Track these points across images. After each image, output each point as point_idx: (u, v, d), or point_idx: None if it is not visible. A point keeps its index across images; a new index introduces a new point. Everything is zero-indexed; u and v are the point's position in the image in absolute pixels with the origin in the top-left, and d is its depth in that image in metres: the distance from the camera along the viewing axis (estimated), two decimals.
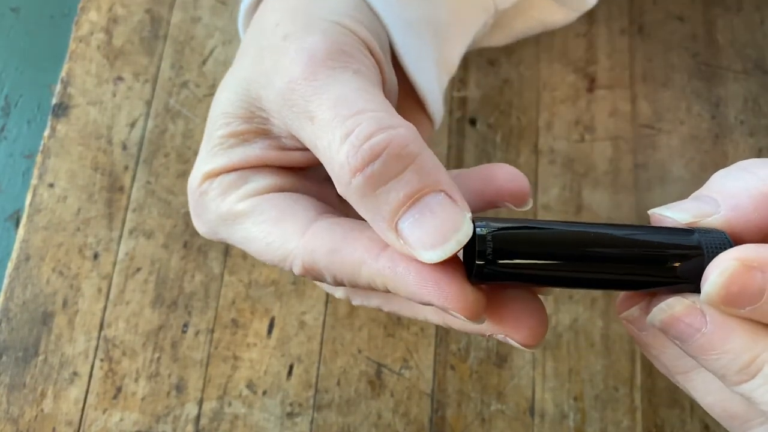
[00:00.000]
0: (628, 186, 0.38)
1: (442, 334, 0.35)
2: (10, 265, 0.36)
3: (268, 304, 0.36)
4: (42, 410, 0.34)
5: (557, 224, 0.18)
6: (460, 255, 0.19)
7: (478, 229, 0.17)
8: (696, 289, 0.18)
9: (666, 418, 0.34)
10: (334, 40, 0.20)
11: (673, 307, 0.18)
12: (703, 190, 0.19)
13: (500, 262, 0.17)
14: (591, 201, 0.38)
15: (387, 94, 0.23)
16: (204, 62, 0.41)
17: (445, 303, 0.17)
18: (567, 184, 0.38)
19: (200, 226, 0.23)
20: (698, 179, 0.38)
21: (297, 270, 0.21)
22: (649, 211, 0.19)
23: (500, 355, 0.35)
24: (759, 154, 0.39)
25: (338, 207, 0.23)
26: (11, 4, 0.44)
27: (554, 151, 0.39)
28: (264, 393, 0.34)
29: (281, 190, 0.22)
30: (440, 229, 0.17)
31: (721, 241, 0.18)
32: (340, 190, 0.19)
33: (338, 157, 0.18)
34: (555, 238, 0.17)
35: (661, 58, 0.41)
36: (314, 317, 0.36)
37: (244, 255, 0.37)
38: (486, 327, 0.20)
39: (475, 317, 0.18)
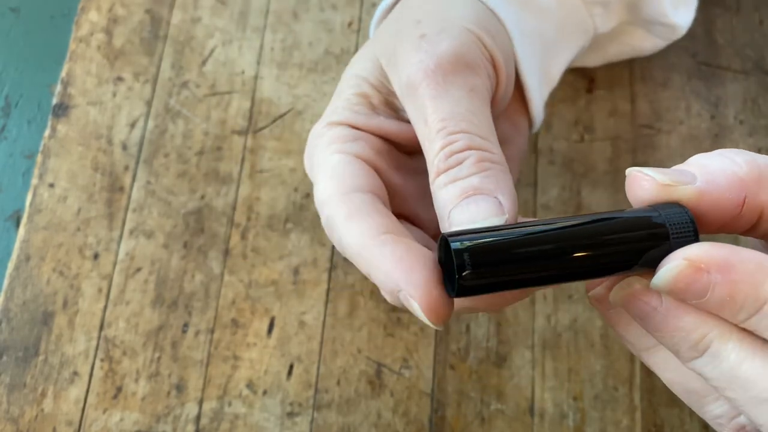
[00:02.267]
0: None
1: (442, 334, 0.35)
2: (11, 265, 0.36)
3: (268, 304, 0.36)
4: (42, 410, 0.34)
5: (530, 225, 0.19)
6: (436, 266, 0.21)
7: (454, 245, 0.18)
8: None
9: (665, 417, 0.34)
10: (462, 51, 0.24)
11: (631, 285, 0.19)
12: (683, 165, 0.20)
13: (480, 271, 0.18)
14: (590, 201, 0.38)
15: (501, 97, 0.27)
16: (204, 62, 0.41)
17: (411, 289, 0.20)
18: (567, 184, 0.38)
19: (306, 163, 0.27)
20: None
21: (322, 224, 0.24)
22: (629, 170, 0.21)
23: (500, 355, 0.35)
24: (758, 153, 0.39)
25: (413, 201, 0.27)
26: (11, 5, 0.44)
27: (554, 151, 0.39)
28: (264, 393, 0.34)
29: (373, 165, 0.25)
30: (474, 215, 0.21)
31: (683, 219, 0.19)
32: (430, 181, 0.23)
33: (434, 160, 0.22)
34: (529, 241, 0.19)
35: (660, 58, 0.41)
36: (314, 317, 0.36)
37: (244, 255, 0.37)
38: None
39: (439, 316, 0.20)
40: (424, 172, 0.25)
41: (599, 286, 0.21)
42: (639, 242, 0.19)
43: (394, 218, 0.23)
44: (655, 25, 0.36)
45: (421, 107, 0.23)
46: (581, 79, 0.41)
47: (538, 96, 0.31)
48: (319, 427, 0.34)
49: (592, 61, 0.38)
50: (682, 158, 0.40)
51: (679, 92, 0.41)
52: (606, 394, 0.35)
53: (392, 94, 0.26)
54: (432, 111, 0.23)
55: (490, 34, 0.26)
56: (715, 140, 0.39)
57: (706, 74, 0.41)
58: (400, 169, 0.26)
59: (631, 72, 0.41)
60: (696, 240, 0.19)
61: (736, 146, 0.39)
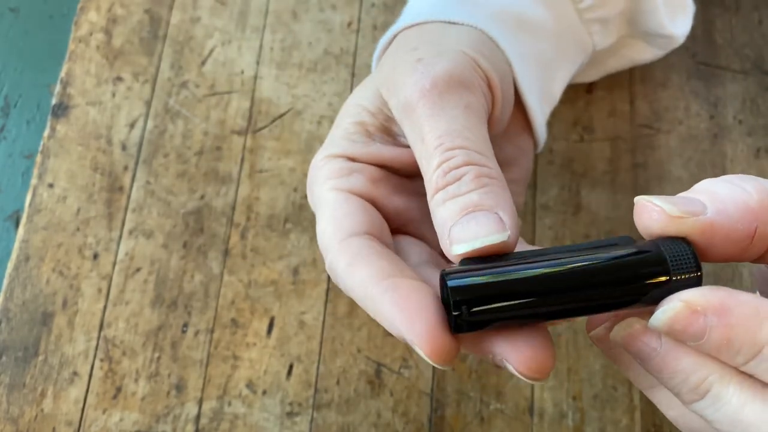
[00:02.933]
0: (627, 186, 0.38)
1: None
2: (10, 265, 0.36)
3: (268, 303, 0.36)
4: (42, 410, 0.34)
5: (529, 260, 0.19)
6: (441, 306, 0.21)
7: (451, 283, 0.19)
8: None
9: (665, 417, 0.34)
10: (457, 71, 0.24)
11: (631, 325, 0.19)
12: (690, 193, 0.20)
13: (475, 310, 0.19)
14: (590, 201, 0.38)
15: (498, 116, 0.27)
16: (203, 62, 0.41)
17: (413, 337, 0.20)
18: (566, 184, 0.38)
19: (308, 195, 0.27)
20: (697, 179, 0.38)
21: (327, 269, 0.24)
22: (637, 198, 0.20)
23: None
24: (757, 153, 0.39)
25: (417, 222, 0.27)
26: (10, 5, 0.44)
27: (553, 151, 0.39)
28: (264, 393, 0.34)
29: (369, 196, 0.25)
30: (475, 232, 0.21)
31: (687, 258, 0.19)
32: (428, 199, 0.23)
33: (431, 177, 0.23)
34: (528, 279, 0.19)
35: (659, 58, 0.41)
36: (314, 317, 0.36)
37: (244, 255, 0.37)
38: (481, 353, 0.21)
39: (443, 359, 0.20)
40: (423, 193, 0.24)
41: (600, 326, 0.21)
42: (640, 281, 0.19)
43: (393, 257, 0.23)
44: (653, 37, 0.36)
45: (417, 126, 0.23)
46: None
47: (540, 116, 0.31)
48: (319, 426, 0.34)
49: (591, 76, 0.39)
50: (681, 158, 0.40)
51: (679, 92, 0.41)
52: (605, 393, 0.35)
53: (390, 119, 0.26)
54: (428, 129, 0.23)
55: (485, 56, 0.26)
56: (714, 140, 0.39)
57: (706, 74, 0.41)
58: (400, 193, 0.26)
59: (630, 72, 0.41)
60: (698, 280, 0.19)
61: (735, 146, 0.39)
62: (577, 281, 0.19)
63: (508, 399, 0.34)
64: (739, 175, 0.20)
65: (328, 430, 0.34)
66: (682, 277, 0.19)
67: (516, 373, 0.21)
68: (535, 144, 0.32)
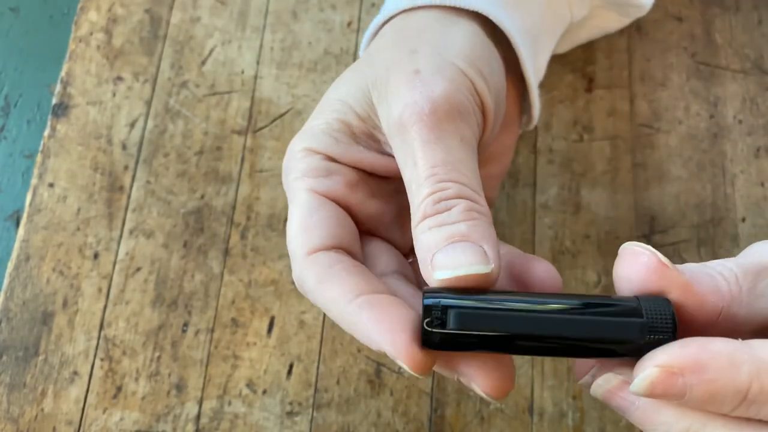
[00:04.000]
0: (626, 185, 0.38)
1: None
2: (10, 265, 0.36)
3: (268, 303, 0.36)
4: (42, 410, 0.34)
5: (510, 300, 0.19)
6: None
7: (427, 301, 0.19)
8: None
9: None
10: (456, 98, 0.24)
11: (609, 382, 0.20)
12: (741, 259, 0.20)
13: (444, 332, 0.19)
14: (589, 200, 0.38)
15: (484, 142, 0.27)
16: (203, 62, 0.41)
17: (393, 350, 0.20)
18: (566, 183, 0.38)
19: (284, 180, 0.26)
20: (697, 178, 0.38)
21: (293, 276, 0.24)
22: (625, 245, 0.20)
23: None
24: (757, 153, 0.39)
25: (387, 225, 0.26)
26: (11, 4, 0.44)
27: (553, 150, 0.39)
28: (264, 392, 0.34)
29: (344, 202, 0.25)
30: (459, 260, 0.21)
31: (665, 314, 0.19)
32: (412, 224, 0.23)
33: (420, 205, 0.22)
34: (502, 320, 0.19)
35: (659, 57, 0.41)
36: (314, 316, 0.36)
37: (244, 255, 0.37)
38: (449, 371, 0.22)
39: (421, 371, 0.20)
40: (398, 194, 0.24)
41: (587, 375, 0.21)
42: (614, 336, 0.19)
43: (363, 271, 0.23)
44: (624, 7, 0.36)
45: (410, 149, 0.23)
46: (580, 79, 0.41)
47: (537, 95, 0.31)
48: (319, 426, 0.34)
49: (561, 48, 0.39)
50: (681, 158, 0.40)
51: (678, 92, 0.41)
52: None
53: (377, 127, 0.25)
54: (422, 156, 0.23)
55: (483, 76, 0.25)
56: (714, 140, 0.39)
57: (705, 74, 0.41)
58: (376, 196, 0.26)
59: (630, 72, 0.41)
60: (673, 337, 0.19)
61: (735, 145, 0.39)
62: (551, 328, 0.19)
63: (507, 398, 0.34)
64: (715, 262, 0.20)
65: (328, 429, 0.34)
66: (658, 337, 0.18)
67: (481, 394, 0.21)
68: (530, 121, 0.32)
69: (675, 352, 0.18)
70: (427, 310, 0.19)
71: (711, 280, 0.19)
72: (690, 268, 0.20)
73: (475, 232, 0.21)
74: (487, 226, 0.22)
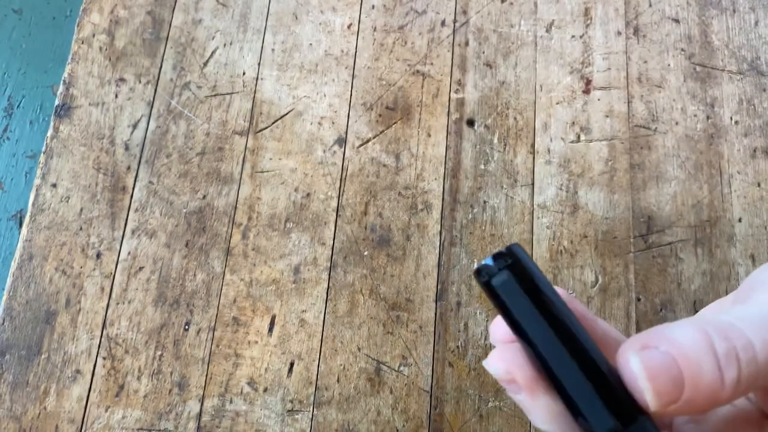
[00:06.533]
0: (623, 186, 0.38)
1: (441, 331, 0.36)
2: (14, 265, 0.37)
3: (269, 302, 0.36)
4: (45, 408, 0.34)
5: (550, 311, 0.19)
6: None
7: (488, 262, 0.19)
8: None
9: None
10: None
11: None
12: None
13: (485, 282, 0.19)
14: (587, 200, 0.38)
15: None
16: (205, 64, 0.41)
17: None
18: (563, 183, 0.39)
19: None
20: (693, 179, 0.38)
21: None
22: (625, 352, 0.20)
23: None
24: (754, 153, 0.39)
25: None
26: (14, 6, 0.44)
27: (551, 151, 0.39)
28: (265, 390, 0.35)
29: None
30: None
31: None
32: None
33: None
34: (527, 318, 0.19)
35: (656, 59, 0.41)
36: (314, 315, 0.36)
37: (246, 254, 0.37)
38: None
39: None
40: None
41: None
42: (587, 416, 0.19)
43: None
44: None
45: None
46: (578, 81, 0.41)
47: None
48: (319, 424, 0.34)
49: None
50: (678, 158, 0.41)
51: (675, 93, 0.41)
52: None
53: None
54: None
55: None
56: (711, 140, 0.40)
57: (702, 75, 0.41)
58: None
59: (627, 73, 0.41)
60: None
61: (732, 146, 0.39)
62: (551, 358, 0.19)
63: (506, 396, 0.35)
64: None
65: (329, 427, 0.34)
66: None
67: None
68: None
69: None
70: (496, 257, 0.19)
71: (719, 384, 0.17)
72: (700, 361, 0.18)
73: None
74: None
